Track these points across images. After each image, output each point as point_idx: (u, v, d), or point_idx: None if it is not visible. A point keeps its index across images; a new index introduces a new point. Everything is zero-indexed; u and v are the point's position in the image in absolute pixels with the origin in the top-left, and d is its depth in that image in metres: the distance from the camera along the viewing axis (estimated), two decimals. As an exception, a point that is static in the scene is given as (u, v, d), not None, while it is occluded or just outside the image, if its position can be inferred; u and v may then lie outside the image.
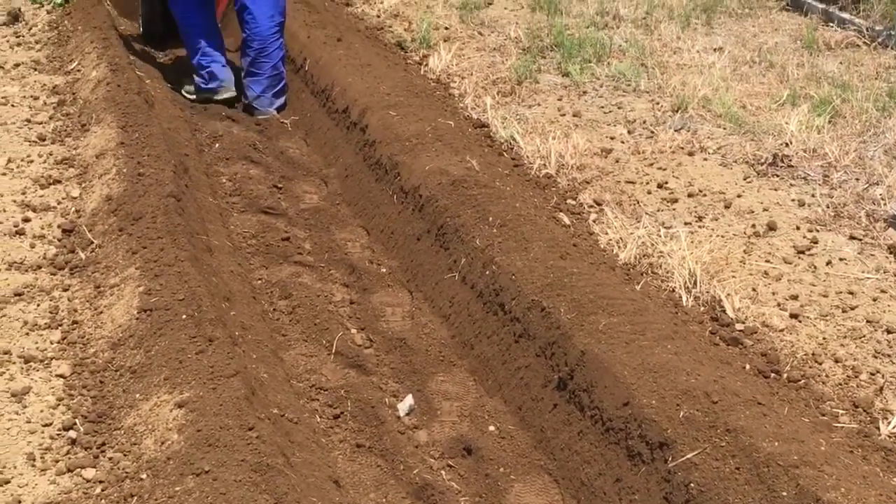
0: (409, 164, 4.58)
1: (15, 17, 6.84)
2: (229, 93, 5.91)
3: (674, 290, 3.70)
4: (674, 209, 4.31)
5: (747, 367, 3.24)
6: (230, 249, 4.22)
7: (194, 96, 5.95)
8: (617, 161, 4.78)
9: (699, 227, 4.14)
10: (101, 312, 3.42)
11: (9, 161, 4.64)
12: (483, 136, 5.09)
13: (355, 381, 3.50)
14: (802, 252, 3.91)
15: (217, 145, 5.33)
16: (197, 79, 5.92)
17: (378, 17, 7.16)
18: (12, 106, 5.35)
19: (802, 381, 3.19)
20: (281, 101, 5.95)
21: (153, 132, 4.74)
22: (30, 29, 6.70)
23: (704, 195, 4.40)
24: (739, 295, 3.61)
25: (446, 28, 6.78)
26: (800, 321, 3.49)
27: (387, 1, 7.39)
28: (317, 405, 3.38)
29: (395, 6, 7.26)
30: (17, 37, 6.55)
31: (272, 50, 5.84)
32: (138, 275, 3.52)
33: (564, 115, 5.33)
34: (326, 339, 3.70)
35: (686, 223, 4.17)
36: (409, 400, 3.44)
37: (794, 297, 3.62)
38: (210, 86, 5.89)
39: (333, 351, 3.62)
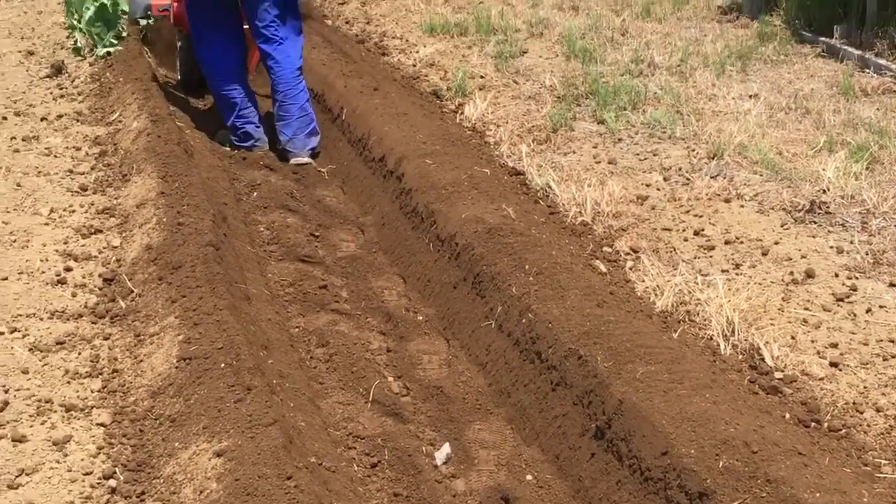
0: (445, 213, 4.60)
1: (58, 69, 6.98)
2: (264, 149, 6.02)
3: (711, 338, 3.68)
4: (711, 256, 4.30)
5: (787, 416, 3.21)
6: (268, 297, 4.25)
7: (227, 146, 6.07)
8: (653, 208, 4.78)
9: (736, 274, 4.13)
10: (141, 361, 3.46)
11: (51, 211, 4.71)
12: (519, 184, 5.11)
13: (392, 430, 3.50)
14: (842, 299, 3.88)
15: (255, 194, 5.39)
16: (232, 136, 6.05)
17: (414, 66, 7.23)
18: (55, 157, 5.44)
19: (843, 430, 3.15)
20: (313, 141, 6.04)
21: (192, 182, 4.81)
22: (73, 81, 6.83)
23: (741, 242, 4.39)
24: (778, 343, 3.59)
25: (482, 77, 6.84)
26: (840, 370, 3.46)
27: (423, 50, 7.46)
28: (354, 454, 3.38)
29: (431, 55, 7.34)
30: (61, 89, 6.68)
31: (297, 93, 5.98)
32: (178, 323, 3.56)
33: (600, 162, 5.35)
34: (363, 387, 3.70)
35: (723, 270, 4.16)
36: (446, 448, 3.44)
37: (834, 346, 3.59)
38: (245, 144, 6.02)
39: (370, 399, 3.62)
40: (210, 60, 6.02)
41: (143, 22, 7.38)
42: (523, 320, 3.75)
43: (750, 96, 6.13)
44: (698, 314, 3.83)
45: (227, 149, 6.04)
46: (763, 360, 3.52)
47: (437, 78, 6.92)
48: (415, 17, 8.42)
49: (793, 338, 3.64)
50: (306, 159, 5.95)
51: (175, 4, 6.45)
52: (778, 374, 3.44)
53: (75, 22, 7.53)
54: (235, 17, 6.04)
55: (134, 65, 6.88)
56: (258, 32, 5.94)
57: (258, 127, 6.05)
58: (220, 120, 6.22)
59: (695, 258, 4.29)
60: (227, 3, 5.97)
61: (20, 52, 7.53)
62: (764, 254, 4.27)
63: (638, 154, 5.43)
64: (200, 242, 4.12)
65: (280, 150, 6.00)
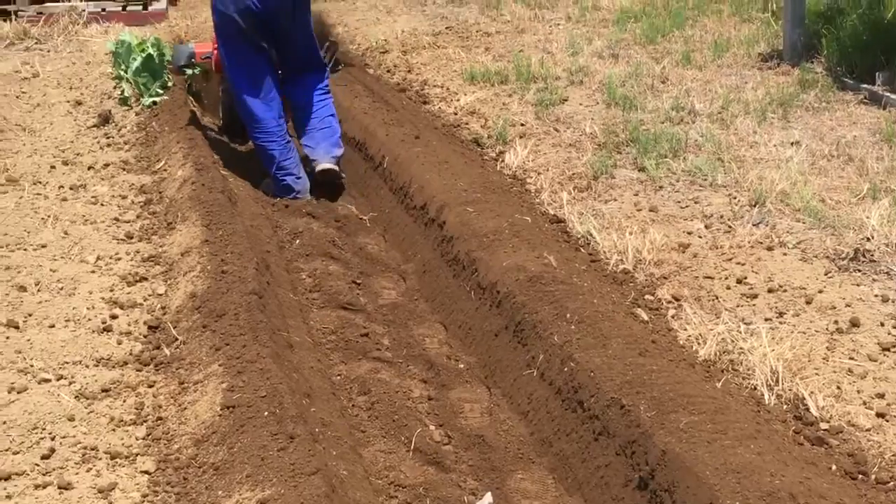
0: (486, 260, 4.62)
1: (106, 118, 7.10)
2: (306, 199, 6.08)
3: (755, 388, 3.65)
4: (753, 305, 4.28)
5: (833, 467, 3.18)
6: (310, 345, 4.28)
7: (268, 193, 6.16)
8: (695, 256, 4.76)
9: (780, 323, 4.10)
10: (185, 409, 3.49)
11: (98, 259, 4.78)
12: (560, 232, 5.12)
13: (434, 479, 3.49)
14: (888, 349, 3.85)
15: (297, 242, 5.43)
16: (274, 186, 6.12)
17: (455, 114, 7.28)
18: (102, 205, 5.53)
19: (892, 482, 3.11)
20: (336, 150, 6.24)
21: (236, 230, 4.86)
22: (119, 130, 6.94)
23: (785, 291, 4.36)
24: (823, 393, 3.56)
25: (522, 124, 6.87)
26: (887, 420, 3.42)
27: (463, 98, 7.51)
28: (396, 503, 3.38)
29: (472, 103, 7.38)
30: (108, 138, 6.79)
31: (319, 108, 6.30)
32: (221, 371, 3.59)
33: (641, 209, 5.35)
34: (405, 435, 3.70)
35: (766, 319, 4.13)
36: (487, 498, 3.42)
37: (881, 396, 3.55)
38: (287, 196, 6.06)
39: (412, 448, 3.62)
40: (248, 113, 6.14)
41: (189, 71, 7.50)
42: (565, 369, 3.74)
43: (792, 143, 6.10)
44: (742, 363, 3.81)
45: (271, 197, 6.10)
46: (808, 410, 3.49)
47: (477, 126, 6.96)
48: (455, 66, 8.48)
49: (838, 388, 3.61)
50: (330, 165, 6.13)
51: (215, 52, 6.59)
52: (823, 425, 3.40)
53: (122, 72, 7.66)
54: (272, 70, 6.21)
55: (179, 114, 6.98)
56: (288, 84, 6.27)
57: (298, 178, 6.12)
58: (263, 167, 6.28)
59: (738, 306, 4.27)
60: (263, 56, 6.13)
61: (69, 101, 7.66)
62: (808, 302, 4.24)
63: (679, 201, 5.42)
64: (244, 290, 4.16)
65: (307, 159, 6.20)
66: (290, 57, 6.29)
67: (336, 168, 6.17)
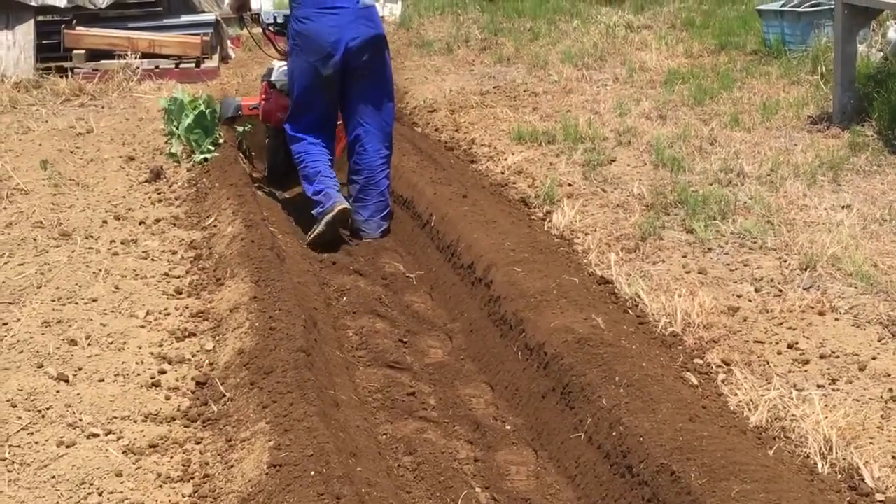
0: (534, 321, 4.60)
1: (157, 174, 7.20)
2: (342, 205, 6.21)
3: (808, 456, 3.59)
4: (805, 371, 4.21)
5: (890, 540, 3.11)
6: (356, 404, 4.27)
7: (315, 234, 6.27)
8: (745, 320, 4.72)
9: (833, 390, 4.04)
10: (232, 466, 3.49)
11: (147, 314, 4.82)
12: (607, 293, 5.09)
13: (480, 543, 3.46)
14: (944, 418, 3.77)
15: (344, 299, 5.44)
16: (315, 210, 6.30)
17: (502, 173, 7.30)
18: (152, 260, 5.59)
19: (950, 557, 3.04)
20: (386, 224, 6.55)
21: (284, 287, 4.89)
22: (170, 186, 7.04)
23: (837, 357, 4.30)
24: (879, 463, 3.49)
25: (569, 184, 6.87)
26: (944, 492, 3.34)
27: (511, 158, 7.54)
28: (441, 566, 3.35)
29: (519, 163, 7.41)
30: (159, 193, 6.88)
31: (380, 178, 6.50)
32: (268, 429, 3.59)
33: (690, 272, 5.31)
34: (451, 497, 3.67)
35: (819, 386, 4.07)
36: (534, 564, 3.38)
37: (938, 467, 3.48)
38: (325, 207, 6.21)
39: (458, 510, 3.59)
40: (300, 150, 6.45)
41: (240, 129, 7.61)
42: (614, 433, 3.70)
43: (842, 207, 6.05)
44: (794, 431, 3.75)
45: (317, 254, 6.14)
46: (863, 480, 3.42)
47: (525, 185, 6.98)
48: (503, 125, 8.52)
49: (894, 457, 3.54)
50: (376, 235, 6.45)
51: (263, 102, 6.98)
52: (879, 496, 3.33)
53: (174, 128, 7.78)
54: (333, 109, 6.51)
55: (229, 171, 7.08)
56: (351, 119, 6.50)
57: (338, 189, 6.37)
58: (311, 223, 6.34)
59: (789, 372, 4.21)
60: (328, 96, 6.40)
61: (121, 157, 7.79)
62: (861, 369, 4.18)
63: (728, 264, 5.38)
64: (292, 348, 4.17)
65: (353, 228, 6.45)
66: (364, 110, 6.48)
67: (378, 237, 6.49)
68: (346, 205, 6.25)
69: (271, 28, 7.05)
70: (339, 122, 6.68)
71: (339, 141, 6.85)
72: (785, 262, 5.30)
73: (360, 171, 6.50)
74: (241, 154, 7.68)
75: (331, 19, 6.21)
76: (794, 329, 4.58)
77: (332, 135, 6.61)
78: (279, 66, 6.95)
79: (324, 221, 6.17)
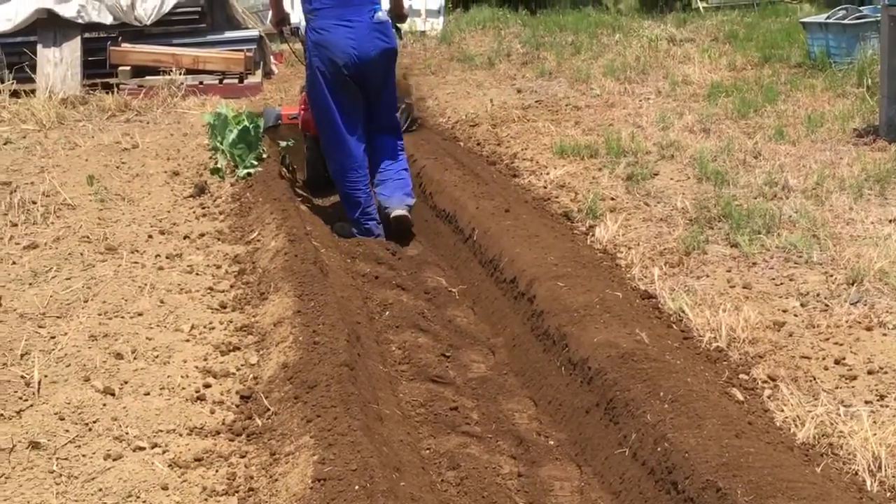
0: (577, 336, 4.58)
1: (201, 189, 7.27)
2: (381, 240, 6.63)
3: (857, 474, 3.54)
4: (853, 387, 4.16)
5: (941, 559, 3.06)
6: (399, 418, 4.27)
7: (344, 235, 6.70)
8: (790, 335, 4.67)
9: (881, 406, 3.98)
10: (276, 480, 3.50)
11: (192, 327, 4.86)
12: (651, 308, 5.06)
13: (524, 559, 3.44)
14: None
15: (387, 313, 5.45)
16: (354, 229, 6.67)
17: (545, 188, 7.29)
18: (197, 274, 5.63)
19: None
20: (409, 199, 6.80)
21: (328, 301, 4.91)
22: (214, 200, 7.10)
23: (885, 373, 4.24)
24: (929, 481, 3.44)
25: (612, 199, 6.85)
26: None
27: (553, 172, 7.53)
28: (485, 582, 3.33)
29: (562, 177, 7.40)
30: (203, 208, 6.94)
31: (395, 162, 6.85)
32: (312, 443, 3.59)
33: (734, 286, 5.27)
34: (494, 512, 3.66)
35: (867, 402, 4.02)
36: (578, 580, 3.36)
37: None
38: (368, 237, 6.64)
39: (502, 526, 3.58)
40: (338, 163, 6.71)
41: (283, 143, 7.67)
42: (659, 449, 3.67)
43: (889, 221, 5.98)
44: (842, 447, 3.70)
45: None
46: (913, 498, 3.37)
47: (567, 200, 6.96)
48: (545, 139, 8.52)
49: (944, 475, 3.48)
50: (404, 212, 6.69)
51: (302, 112, 7.29)
52: (930, 515, 3.28)
53: (218, 144, 7.85)
54: (364, 122, 6.74)
55: (273, 185, 7.13)
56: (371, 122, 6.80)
57: (378, 224, 6.72)
58: (346, 213, 6.64)
59: (836, 388, 4.16)
60: (357, 108, 6.69)
61: (166, 172, 7.87)
62: (910, 385, 4.12)
63: (773, 279, 5.33)
64: (335, 362, 4.18)
65: (382, 210, 6.73)
66: (375, 114, 6.81)
67: (408, 215, 6.74)
68: (383, 238, 6.65)
69: None
70: None
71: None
72: (831, 276, 5.25)
73: (379, 159, 6.84)
74: (283, 169, 7.73)
75: (347, 31, 6.51)
76: (840, 344, 4.53)
77: (364, 139, 6.78)
78: None
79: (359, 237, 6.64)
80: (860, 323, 4.70)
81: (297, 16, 7.66)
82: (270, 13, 7.89)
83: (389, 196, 6.73)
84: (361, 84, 6.62)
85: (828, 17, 10.47)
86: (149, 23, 12.11)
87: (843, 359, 4.39)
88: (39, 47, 11.74)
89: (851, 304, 4.89)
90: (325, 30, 6.50)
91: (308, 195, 7.50)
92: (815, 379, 4.26)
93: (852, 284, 5.09)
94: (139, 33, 12.28)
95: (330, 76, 6.52)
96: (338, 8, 6.49)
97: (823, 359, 4.42)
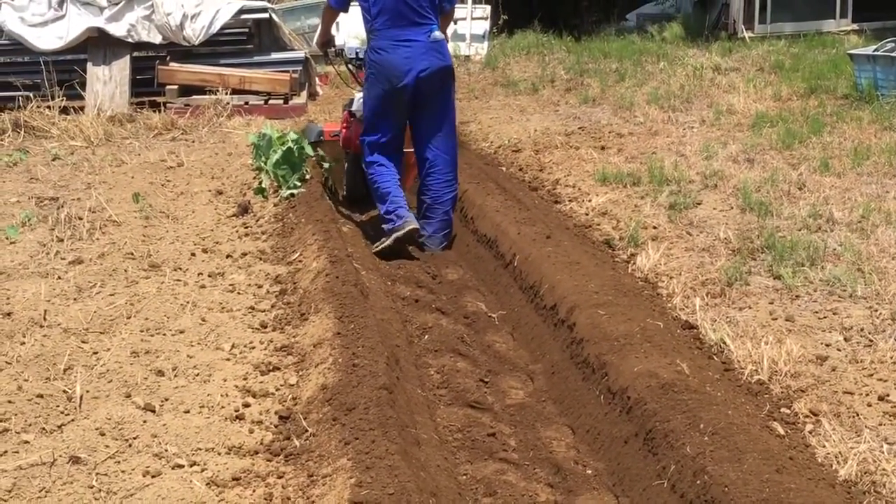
0: (617, 365, 4.56)
1: (244, 209, 7.33)
2: (412, 225, 6.68)
3: (900, 513, 3.49)
4: (897, 424, 4.11)
5: None
6: (437, 443, 4.26)
7: (382, 246, 6.74)
8: (833, 370, 4.62)
9: (926, 444, 3.93)
10: (314, 502, 3.50)
11: (233, 347, 4.89)
12: (692, 338, 5.03)
13: (559, 589, 3.42)
14: None
15: (426, 337, 5.46)
16: (385, 226, 6.74)
17: (586, 215, 7.28)
18: (238, 293, 5.67)
19: None
20: (447, 239, 7.09)
21: (368, 323, 4.92)
22: (257, 220, 7.15)
23: (930, 411, 4.19)
24: (974, 522, 3.38)
25: (654, 227, 6.82)
26: None
27: (595, 199, 7.51)
28: None
29: (604, 205, 7.38)
30: (246, 227, 6.99)
31: (446, 199, 7.03)
32: (350, 466, 3.60)
33: (777, 319, 5.22)
34: (530, 541, 3.64)
35: (911, 440, 3.97)
36: None
37: None
38: (395, 225, 6.69)
39: (537, 555, 3.56)
40: (373, 172, 6.91)
41: (325, 165, 7.72)
42: (698, 482, 3.64)
43: (936, 256, 5.91)
44: (885, 486, 3.65)
45: (402, 292, 6.18)
46: (957, 539, 3.31)
47: (609, 227, 6.94)
48: (587, 166, 8.51)
49: None
50: (437, 250, 6.98)
51: (344, 130, 7.53)
52: (974, 557, 3.23)
53: (262, 164, 7.92)
54: (401, 133, 7.00)
55: (315, 206, 7.17)
56: (421, 143, 7.02)
57: (408, 211, 6.83)
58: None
59: (880, 425, 4.11)
60: (397, 121, 6.93)
61: (210, 191, 7.94)
62: (955, 424, 4.06)
63: (817, 312, 5.28)
64: (374, 385, 4.19)
65: (419, 241, 6.92)
66: (433, 138, 7.00)
67: (440, 251, 7.02)
68: (415, 224, 6.72)
69: (354, 62, 7.58)
70: (408, 150, 7.18)
71: (410, 170, 7.36)
72: (876, 311, 5.19)
73: (428, 192, 7.04)
74: (326, 190, 7.78)
75: (405, 51, 6.73)
76: (884, 381, 4.47)
77: (400, 158, 7.07)
78: (359, 98, 7.37)
79: (393, 237, 6.65)
80: (905, 359, 4.64)
81: (341, 38, 7.75)
82: (316, 35, 8.00)
83: (430, 235, 7.02)
84: (420, 104, 6.83)
85: (876, 50, 10.39)
86: (197, 43, 12.26)
87: (888, 395, 4.33)
88: (89, 65, 11.93)
89: (896, 339, 4.83)
90: (384, 50, 6.76)
91: (349, 214, 7.54)
92: (857, 415, 4.20)
93: (897, 320, 5.03)
94: (187, 53, 12.43)
95: (385, 94, 6.77)
96: (395, 29, 6.72)
97: (867, 395, 4.36)
